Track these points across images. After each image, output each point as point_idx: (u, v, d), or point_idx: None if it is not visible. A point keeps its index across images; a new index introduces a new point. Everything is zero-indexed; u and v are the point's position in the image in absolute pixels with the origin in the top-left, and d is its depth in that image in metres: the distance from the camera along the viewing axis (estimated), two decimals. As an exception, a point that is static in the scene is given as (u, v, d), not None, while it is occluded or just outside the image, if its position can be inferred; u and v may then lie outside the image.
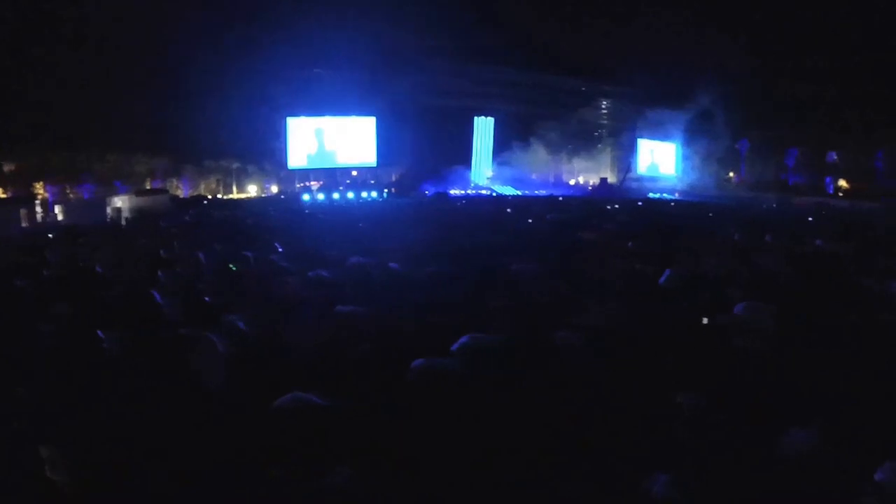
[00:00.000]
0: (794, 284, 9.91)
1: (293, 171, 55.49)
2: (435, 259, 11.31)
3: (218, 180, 54.46)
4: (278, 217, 28.76)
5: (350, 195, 44.86)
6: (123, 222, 33.21)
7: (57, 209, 36.70)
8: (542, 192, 55.64)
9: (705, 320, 7.88)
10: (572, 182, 62.98)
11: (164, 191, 44.56)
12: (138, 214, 34.76)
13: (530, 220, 26.10)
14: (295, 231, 19.65)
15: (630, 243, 14.94)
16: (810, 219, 28.88)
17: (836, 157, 58.22)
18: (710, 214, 30.86)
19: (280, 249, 13.08)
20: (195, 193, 50.55)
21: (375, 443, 4.48)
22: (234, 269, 10.53)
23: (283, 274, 9.56)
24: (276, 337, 6.66)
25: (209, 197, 49.33)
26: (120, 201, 37.90)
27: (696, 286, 9.57)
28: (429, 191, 50.26)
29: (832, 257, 13.39)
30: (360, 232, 18.75)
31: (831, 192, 59.17)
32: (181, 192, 50.37)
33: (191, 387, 5.72)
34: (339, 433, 4.55)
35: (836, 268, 11.83)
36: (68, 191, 47.64)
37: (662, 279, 10.35)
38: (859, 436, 4.28)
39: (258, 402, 5.26)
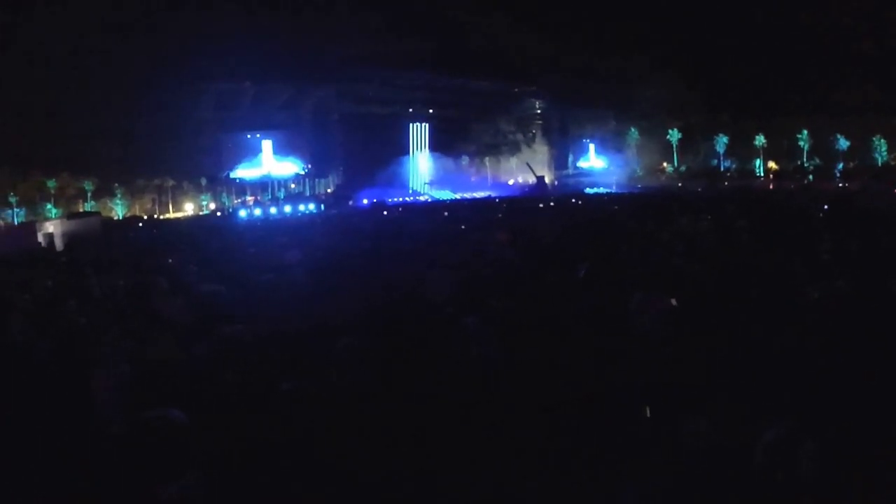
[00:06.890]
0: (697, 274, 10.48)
1: (230, 185, 55.43)
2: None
3: (153, 199, 53.74)
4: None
5: (287, 209, 44.89)
6: (58, 248, 32.78)
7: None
8: (481, 195, 56.50)
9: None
10: (511, 182, 64.05)
11: (95, 213, 43.82)
12: (71, 239, 34.21)
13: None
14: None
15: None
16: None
17: (764, 141, 60.83)
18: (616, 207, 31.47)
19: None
20: (129, 215, 49.69)
21: (232, 458, 4.92)
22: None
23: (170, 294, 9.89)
24: (162, 359, 7.09)
25: (144, 217, 48.47)
26: (52, 226, 37.18)
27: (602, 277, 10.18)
28: (366, 200, 50.50)
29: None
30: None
31: (760, 174, 61.93)
32: (115, 214, 49.47)
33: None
34: (195, 447, 5.01)
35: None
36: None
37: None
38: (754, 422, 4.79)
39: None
